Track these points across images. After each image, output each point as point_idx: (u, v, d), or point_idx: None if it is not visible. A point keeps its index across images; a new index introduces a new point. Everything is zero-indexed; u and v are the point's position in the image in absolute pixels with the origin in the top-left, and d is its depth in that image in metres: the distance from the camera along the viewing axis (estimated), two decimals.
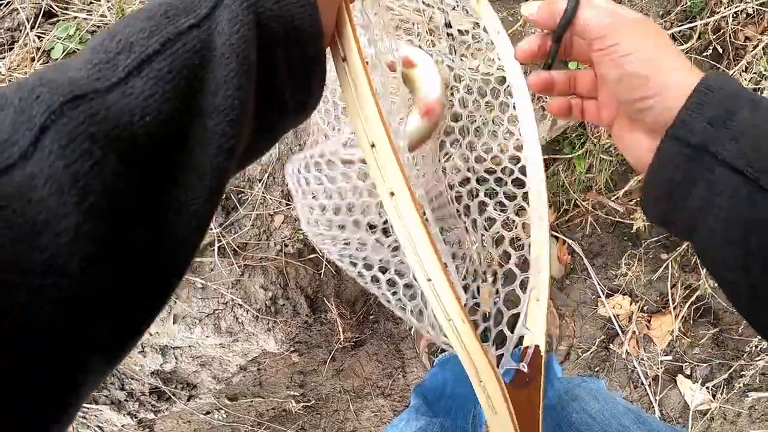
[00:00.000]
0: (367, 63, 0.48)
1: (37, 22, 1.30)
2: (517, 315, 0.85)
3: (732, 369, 1.69)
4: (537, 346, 0.67)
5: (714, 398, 1.71)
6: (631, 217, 1.57)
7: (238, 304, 1.38)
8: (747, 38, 1.43)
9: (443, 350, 1.65)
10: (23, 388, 0.27)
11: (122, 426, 1.52)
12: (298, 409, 1.72)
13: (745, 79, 1.43)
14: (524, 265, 0.78)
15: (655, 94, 0.47)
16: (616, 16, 0.50)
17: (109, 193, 0.30)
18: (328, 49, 0.47)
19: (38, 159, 0.28)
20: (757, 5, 1.40)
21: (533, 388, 0.62)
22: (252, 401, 1.68)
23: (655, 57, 0.47)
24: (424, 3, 1.53)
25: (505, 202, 0.92)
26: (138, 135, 0.31)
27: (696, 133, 0.43)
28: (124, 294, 0.32)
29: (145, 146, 0.32)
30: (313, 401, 1.73)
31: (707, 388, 1.71)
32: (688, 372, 1.73)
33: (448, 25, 1.50)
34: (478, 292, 1.64)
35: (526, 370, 0.63)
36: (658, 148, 0.46)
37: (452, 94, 1.13)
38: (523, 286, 0.76)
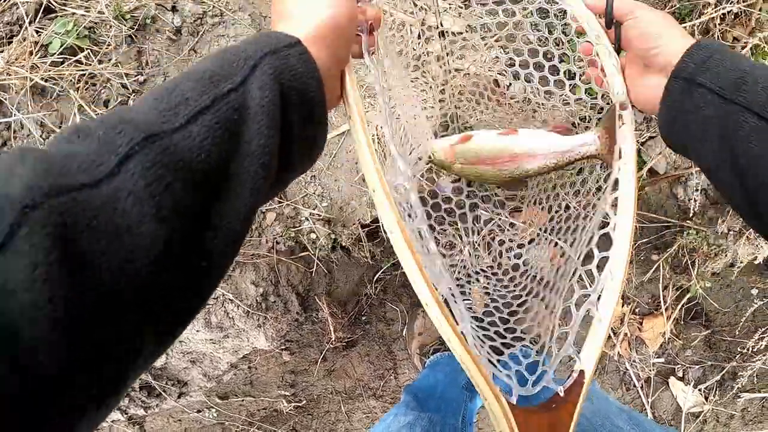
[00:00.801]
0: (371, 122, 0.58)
1: (37, 17, 1.32)
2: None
3: (724, 371, 1.68)
4: (582, 372, 0.66)
5: (707, 400, 1.70)
6: None
7: (229, 299, 1.39)
8: (735, 39, 1.45)
9: (435, 351, 1.65)
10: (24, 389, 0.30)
11: (112, 422, 1.52)
12: (290, 410, 1.72)
13: None
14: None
15: (662, 45, 0.72)
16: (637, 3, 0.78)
17: (179, 213, 0.38)
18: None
19: (123, 179, 0.36)
20: (744, 6, 1.42)
21: (564, 412, 0.62)
22: (243, 400, 1.67)
23: (662, 25, 0.74)
24: (416, 5, 1.55)
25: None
26: (196, 170, 0.40)
27: (686, 70, 0.67)
28: (173, 295, 0.40)
29: (201, 181, 0.41)
30: (305, 401, 1.73)
31: (700, 390, 1.70)
32: (680, 374, 1.72)
33: (442, 32, 1.53)
34: (470, 292, 1.65)
35: (561, 394, 0.63)
36: (667, 83, 0.70)
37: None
38: (578, 304, 0.76)
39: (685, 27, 1.44)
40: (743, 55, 0.68)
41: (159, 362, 1.47)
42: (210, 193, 0.42)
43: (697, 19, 1.44)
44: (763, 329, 1.62)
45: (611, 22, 0.80)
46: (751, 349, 1.61)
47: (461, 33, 1.54)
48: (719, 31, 1.43)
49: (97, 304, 0.32)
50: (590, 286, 0.83)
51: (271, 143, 0.46)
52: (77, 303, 0.31)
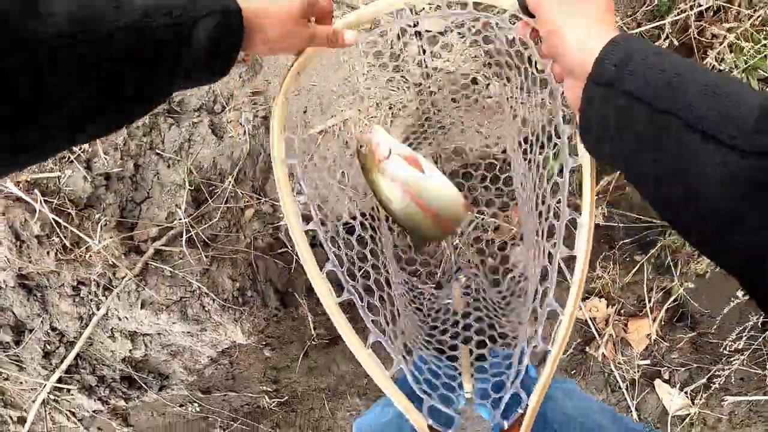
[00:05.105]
0: None
1: None
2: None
3: (711, 373, 1.65)
4: (527, 407, 0.71)
5: (693, 403, 1.67)
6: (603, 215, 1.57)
7: (205, 293, 1.41)
8: (714, 35, 1.43)
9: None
10: None
11: (93, 412, 1.55)
12: (273, 406, 1.73)
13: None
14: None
15: (559, 44, 0.62)
16: None
17: None
18: None
19: None
20: (723, 2, 1.40)
21: None
22: (225, 395, 1.70)
23: (561, 19, 0.63)
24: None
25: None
26: None
27: (605, 74, 0.56)
28: None
29: None
30: (287, 397, 1.74)
31: (686, 392, 1.67)
32: (666, 376, 1.70)
33: (417, 26, 1.54)
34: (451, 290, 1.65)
35: (505, 427, 0.73)
36: (584, 90, 0.59)
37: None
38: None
39: (663, 24, 1.44)
40: (668, 51, 0.56)
41: (138, 354, 1.50)
42: None
43: (676, 16, 1.43)
44: (741, 328, 1.59)
45: (526, 10, 0.72)
46: (730, 347, 1.59)
47: (440, 33, 1.55)
48: (695, 28, 1.42)
49: None
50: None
51: None
52: None
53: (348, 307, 0.73)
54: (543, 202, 0.99)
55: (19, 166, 0.53)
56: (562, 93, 0.74)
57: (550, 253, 0.85)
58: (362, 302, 0.81)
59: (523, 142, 1.35)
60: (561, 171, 0.81)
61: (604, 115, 0.58)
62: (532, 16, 0.71)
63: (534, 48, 0.80)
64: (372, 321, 0.81)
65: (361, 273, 0.95)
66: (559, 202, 0.88)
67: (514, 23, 0.80)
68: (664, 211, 0.57)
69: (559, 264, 0.83)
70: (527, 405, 0.71)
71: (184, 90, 0.61)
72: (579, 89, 0.60)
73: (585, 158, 0.72)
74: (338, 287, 0.77)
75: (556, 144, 0.90)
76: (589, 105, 0.59)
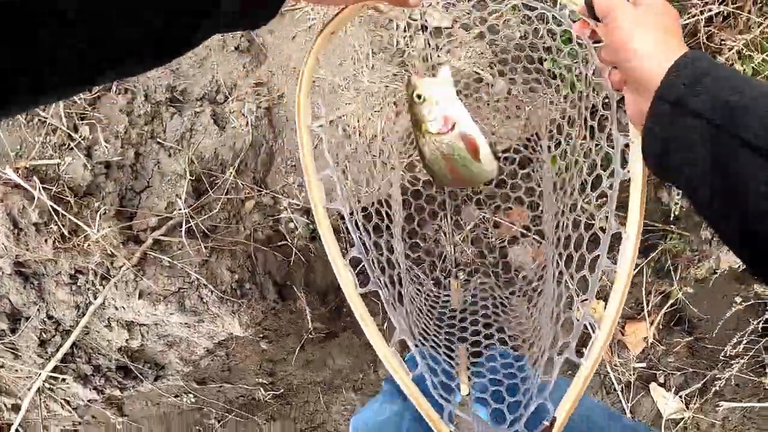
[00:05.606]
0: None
1: None
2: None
3: (706, 378, 1.66)
4: (554, 418, 0.69)
5: (687, 407, 1.68)
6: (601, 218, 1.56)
7: (203, 285, 1.41)
8: (722, 41, 1.42)
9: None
10: None
11: (88, 401, 1.55)
12: (268, 398, 1.73)
13: None
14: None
15: (631, 58, 0.61)
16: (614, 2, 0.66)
17: None
18: None
19: None
20: (733, 8, 1.39)
21: None
22: (221, 386, 1.69)
23: (633, 30, 0.62)
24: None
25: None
26: None
27: (674, 92, 0.56)
28: None
29: None
30: (283, 390, 1.74)
31: (681, 396, 1.68)
32: (661, 380, 1.70)
33: (425, 27, 1.53)
34: (449, 285, 1.65)
35: None
36: (650, 106, 0.59)
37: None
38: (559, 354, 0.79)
39: None
40: (737, 71, 0.57)
41: (134, 344, 1.50)
42: None
43: (686, 21, 1.42)
44: (741, 333, 1.59)
45: (592, 12, 0.70)
46: (728, 353, 1.59)
47: (448, 28, 1.54)
48: (705, 33, 1.41)
49: None
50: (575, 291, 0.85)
51: None
52: None
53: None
54: (576, 210, 0.97)
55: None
56: (618, 101, 0.73)
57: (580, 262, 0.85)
58: (388, 295, 0.74)
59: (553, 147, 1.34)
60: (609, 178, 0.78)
61: (669, 132, 0.58)
62: (596, 18, 0.70)
63: (592, 49, 0.77)
64: (397, 317, 0.76)
65: (382, 264, 0.90)
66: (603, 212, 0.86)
67: (574, 21, 0.77)
68: (726, 240, 0.58)
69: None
70: (554, 417, 0.70)
71: (219, 33, 0.56)
72: (643, 103, 0.61)
73: (636, 171, 0.70)
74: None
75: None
76: (654, 121, 0.59)
